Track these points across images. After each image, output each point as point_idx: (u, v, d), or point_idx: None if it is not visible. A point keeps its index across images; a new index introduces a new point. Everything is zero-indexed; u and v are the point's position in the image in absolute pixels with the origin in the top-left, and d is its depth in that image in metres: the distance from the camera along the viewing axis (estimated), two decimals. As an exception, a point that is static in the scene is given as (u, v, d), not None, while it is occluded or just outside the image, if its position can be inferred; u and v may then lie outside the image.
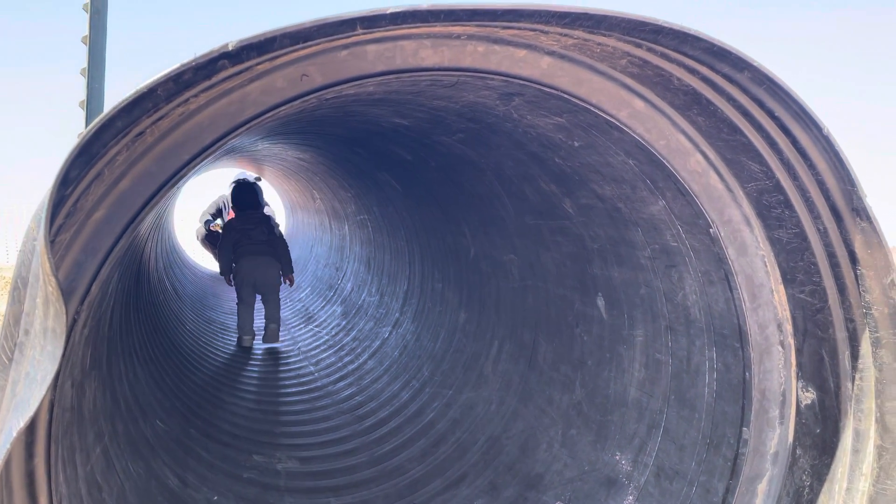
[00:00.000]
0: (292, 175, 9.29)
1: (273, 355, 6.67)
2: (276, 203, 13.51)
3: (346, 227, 8.14)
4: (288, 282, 7.17)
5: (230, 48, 1.51)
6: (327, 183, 7.72)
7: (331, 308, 7.93)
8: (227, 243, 6.84)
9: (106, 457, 2.62)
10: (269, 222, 7.16)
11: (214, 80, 1.68)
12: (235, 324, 7.00)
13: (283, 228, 13.31)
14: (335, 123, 3.95)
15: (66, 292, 1.78)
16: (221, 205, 9.54)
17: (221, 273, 7.09)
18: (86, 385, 2.38)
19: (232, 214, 7.77)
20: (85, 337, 2.22)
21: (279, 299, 6.94)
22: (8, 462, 1.75)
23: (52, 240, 1.62)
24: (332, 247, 9.16)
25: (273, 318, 6.74)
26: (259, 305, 7.10)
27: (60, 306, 1.41)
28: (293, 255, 8.57)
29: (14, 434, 1.42)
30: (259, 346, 6.93)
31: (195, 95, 1.71)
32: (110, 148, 1.56)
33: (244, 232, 6.75)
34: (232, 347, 6.73)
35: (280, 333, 6.97)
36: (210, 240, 10.76)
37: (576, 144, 2.70)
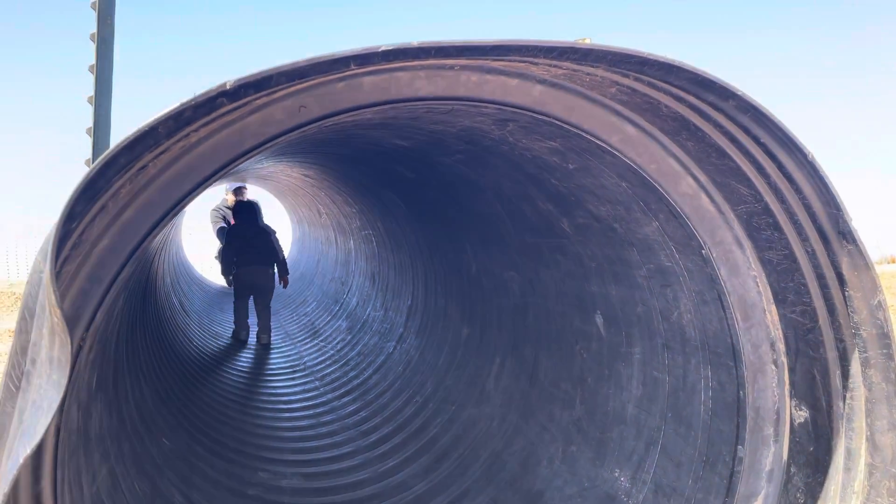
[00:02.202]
0: (299, 190, 9.38)
1: (266, 349, 7.55)
2: (283, 217, 13.64)
3: (352, 241, 8.21)
4: (283, 283, 8.24)
5: (228, 87, 1.57)
6: (332, 199, 7.80)
7: (336, 323, 7.99)
8: (230, 250, 7.86)
9: (112, 477, 2.68)
10: (266, 233, 8.18)
11: (214, 115, 1.74)
12: (245, 339, 7.79)
13: (290, 240, 13.66)
14: (338, 144, 4.02)
15: (71, 320, 1.84)
16: (224, 212, 9.82)
17: (223, 274, 8.54)
18: (92, 407, 2.44)
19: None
20: (91, 361, 2.28)
21: (270, 308, 7.85)
22: (15, 486, 1.81)
23: (58, 271, 1.68)
24: (337, 261, 9.23)
25: (265, 329, 7.71)
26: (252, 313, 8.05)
27: (65, 337, 1.47)
28: (300, 270, 8.98)
29: (21, 461, 1.47)
30: (268, 361, 7.04)
31: (195, 130, 1.77)
32: (114, 182, 1.62)
33: (246, 240, 7.73)
34: (238, 363, 6.80)
35: (273, 338, 7.88)
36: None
37: (570, 167, 2.75)
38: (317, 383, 6.38)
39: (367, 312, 7.35)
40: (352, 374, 6.32)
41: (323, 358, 7.10)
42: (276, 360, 7.24)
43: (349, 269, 8.55)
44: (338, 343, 7.37)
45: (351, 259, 8.46)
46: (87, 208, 1.58)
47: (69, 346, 1.48)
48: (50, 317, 1.50)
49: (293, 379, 6.56)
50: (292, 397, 6.03)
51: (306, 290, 10.20)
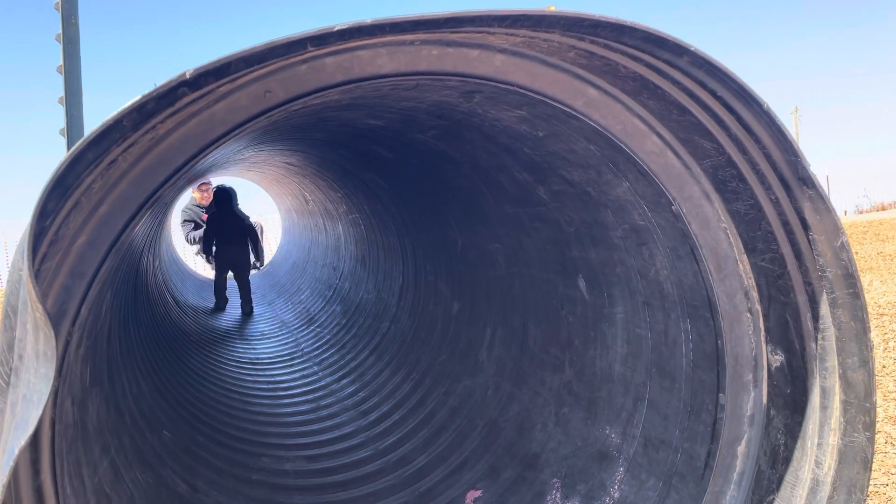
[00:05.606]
0: (283, 179, 9.39)
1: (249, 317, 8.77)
2: (272, 206, 13.71)
3: (340, 226, 8.25)
4: (259, 263, 9.83)
5: (188, 76, 1.60)
6: (317, 185, 7.82)
7: (331, 308, 8.05)
8: (209, 234, 9.21)
9: (114, 469, 2.74)
10: (240, 217, 9.34)
11: (178, 105, 1.77)
12: (223, 307, 9.04)
13: (279, 230, 13.92)
14: (314, 128, 4.04)
15: (56, 315, 1.88)
16: (193, 217, 10.33)
17: (204, 252, 9.75)
18: (87, 401, 2.49)
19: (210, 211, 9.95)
20: (82, 356, 2.33)
21: (249, 281, 9.16)
22: (15, 479, 1.87)
23: (39, 268, 1.72)
24: (328, 247, 9.27)
25: (247, 301, 8.96)
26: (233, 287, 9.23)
27: (49, 331, 1.52)
28: (292, 259, 9.36)
29: (16, 453, 1.52)
30: (266, 350, 7.11)
31: (162, 121, 1.81)
32: (84, 178, 1.66)
33: (222, 224, 9.06)
34: (237, 353, 6.86)
35: (270, 326, 8.38)
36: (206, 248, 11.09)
37: (540, 134, 2.79)
38: (315, 368, 6.45)
39: (361, 295, 7.41)
40: (349, 356, 6.40)
41: (320, 343, 7.17)
42: (275, 348, 7.31)
43: (340, 253, 8.59)
44: (334, 327, 7.43)
45: (341, 244, 8.50)
46: (59, 205, 1.62)
47: (54, 340, 1.52)
48: (33, 312, 1.55)
49: (292, 365, 6.63)
50: (292, 383, 6.10)
51: (300, 278, 10.25)
